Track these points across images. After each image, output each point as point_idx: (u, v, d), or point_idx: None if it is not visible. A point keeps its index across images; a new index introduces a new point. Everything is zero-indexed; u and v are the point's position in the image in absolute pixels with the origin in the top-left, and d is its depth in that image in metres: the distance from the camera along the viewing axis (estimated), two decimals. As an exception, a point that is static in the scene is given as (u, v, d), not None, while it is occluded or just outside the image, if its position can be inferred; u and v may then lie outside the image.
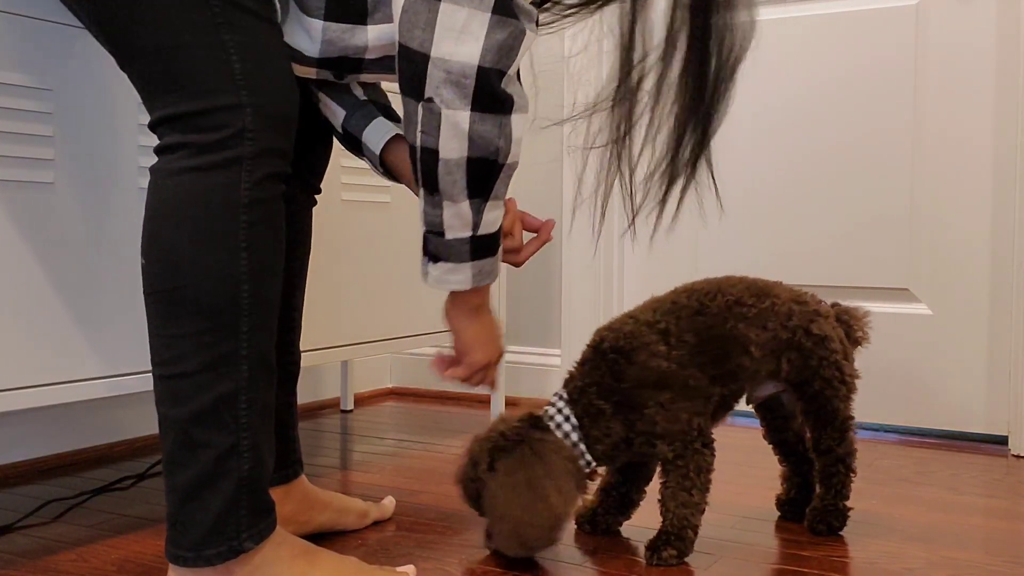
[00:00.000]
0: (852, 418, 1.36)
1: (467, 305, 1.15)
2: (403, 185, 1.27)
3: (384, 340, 1.81)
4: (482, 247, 1.08)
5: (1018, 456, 1.91)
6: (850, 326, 1.39)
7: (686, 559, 1.26)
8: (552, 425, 1.27)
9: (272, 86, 0.98)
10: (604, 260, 2.37)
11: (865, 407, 2.13)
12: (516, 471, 1.21)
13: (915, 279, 2.09)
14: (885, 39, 2.10)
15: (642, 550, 1.29)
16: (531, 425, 1.26)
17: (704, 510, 1.27)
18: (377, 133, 1.24)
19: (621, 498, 1.38)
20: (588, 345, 1.31)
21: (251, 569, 1.00)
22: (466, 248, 1.06)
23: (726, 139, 2.29)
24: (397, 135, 1.23)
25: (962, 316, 2.04)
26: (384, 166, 1.26)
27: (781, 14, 2.20)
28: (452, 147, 0.99)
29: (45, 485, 1.64)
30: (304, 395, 2.36)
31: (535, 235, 1.30)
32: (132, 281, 1.32)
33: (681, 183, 1.23)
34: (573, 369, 1.31)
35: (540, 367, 2.43)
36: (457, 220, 1.04)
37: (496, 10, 0.97)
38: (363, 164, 1.73)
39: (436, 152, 1.00)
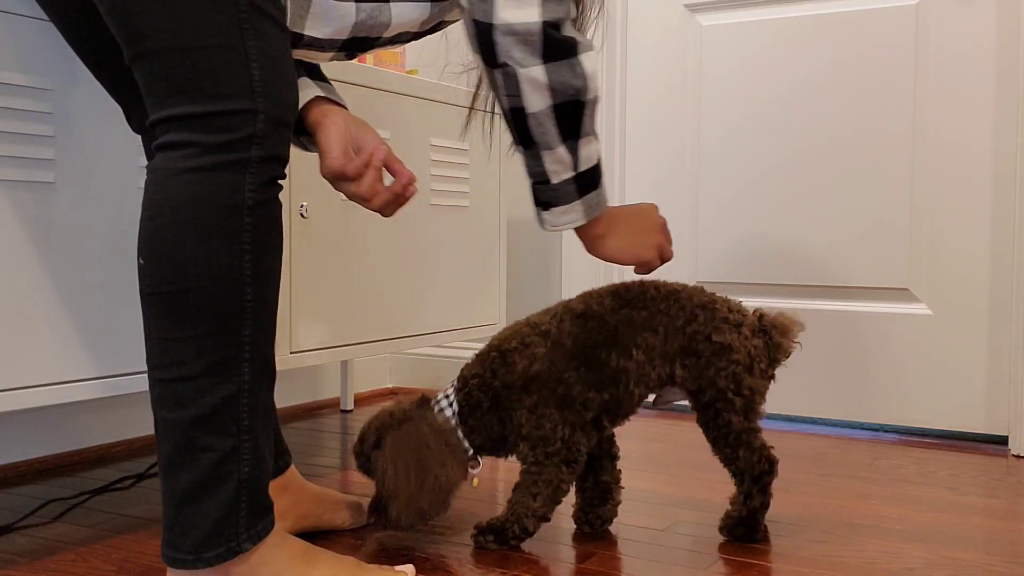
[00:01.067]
0: (752, 430, 1.29)
1: (592, 234, 1.20)
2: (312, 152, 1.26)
3: (384, 340, 1.81)
4: (586, 183, 1.13)
5: (1018, 456, 1.91)
6: (770, 335, 1.32)
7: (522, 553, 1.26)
8: (436, 409, 1.32)
9: (283, 94, 0.99)
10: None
11: (865, 407, 2.14)
12: (401, 448, 1.25)
13: (915, 279, 2.09)
14: (885, 39, 2.10)
15: (640, 550, 1.29)
16: (418, 406, 1.31)
17: (544, 518, 1.29)
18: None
19: (596, 486, 1.38)
20: (488, 342, 1.35)
21: (249, 569, 1.00)
22: (572, 188, 1.13)
23: (726, 139, 2.30)
24: (318, 97, 1.23)
25: (962, 316, 2.04)
26: (302, 129, 1.25)
27: (782, 14, 2.20)
28: (536, 100, 1.07)
29: (45, 485, 1.64)
30: (304, 395, 2.36)
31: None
32: (132, 281, 1.32)
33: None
34: (470, 360, 1.35)
35: (540, 367, 2.43)
36: (558, 165, 1.11)
37: None
38: (363, 164, 1.73)
39: (523, 110, 1.07)
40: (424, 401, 1.32)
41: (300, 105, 1.22)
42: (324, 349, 1.67)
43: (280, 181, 1.01)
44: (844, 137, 2.15)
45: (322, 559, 1.08)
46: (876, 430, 2.14)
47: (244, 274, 0.96)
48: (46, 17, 1.20)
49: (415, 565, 1.21)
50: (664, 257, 1.27)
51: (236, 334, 0.96)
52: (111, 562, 1.25)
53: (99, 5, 0.98)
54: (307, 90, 1.23)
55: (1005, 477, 1.74)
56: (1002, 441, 2.00)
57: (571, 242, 2.39)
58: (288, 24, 1.13)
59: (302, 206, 1.59)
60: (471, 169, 2.04)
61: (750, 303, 2.24)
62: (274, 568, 1.02)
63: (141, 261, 0.97)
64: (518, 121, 1.09)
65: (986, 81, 2.00)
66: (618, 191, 2.38)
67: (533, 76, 1.05)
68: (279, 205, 1.01)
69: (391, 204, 1.25)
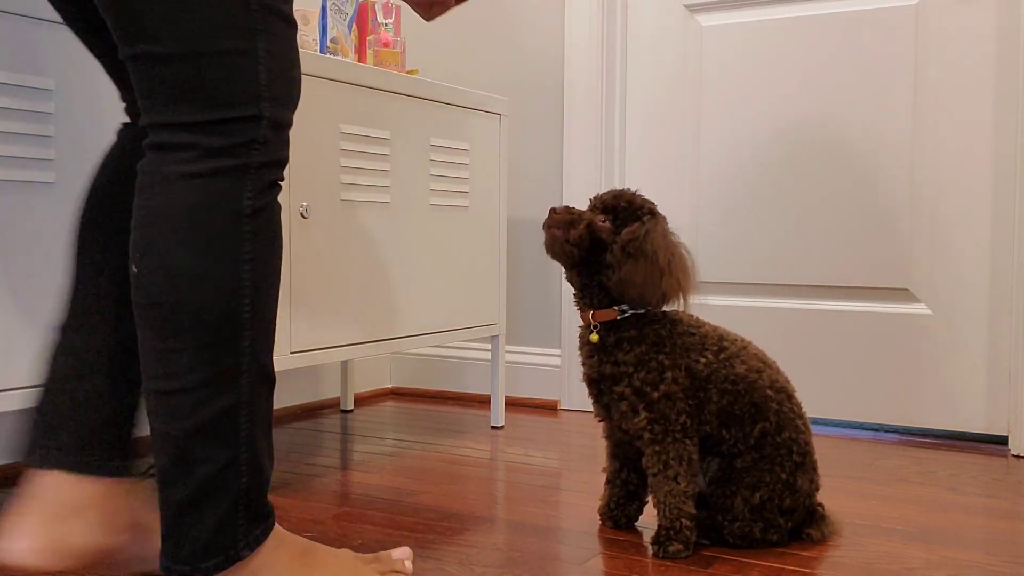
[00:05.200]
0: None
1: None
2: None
3: (384, 340, 1.81)
4: None
5: (1018, 456, 1.91)
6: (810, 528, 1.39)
7: (689, 552, 1.26)
8: None
9: (289, 97, 0.97)
10: (604, 260, 2.37)
11: (865, 407, 2.14)
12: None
13: (915, 279, 2.09)
14: (885, 39, 2.10)
15: (641, 549, 1.29)
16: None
17: (694, 494, 1.29)
18: None
19: (625, 485, 1.39)
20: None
21: (249, 574, 1.00)
22: None
23: (726, 139, 2.30)
24: None
25: (962, 316, 2.04)
26: None
27: (782, 14, 2.20)
28: None
29: (45, 485, 1.64)
30: (304, 395, 2.36)
31: None
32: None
33: None
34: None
35: (540, 367, 2.43)
36: None
37: None
38: (363, 164, 1.73)
39: None
40: None
41: None
42: (324, 349, 1.67)
43: (279, 184, 0.99)
44: (844, 137, 2.15)
45: (320, 557, 1.08)
46: (876, 430, 2.14)
47: (243, 284, 0.94)
48: (46, 17, 1.20)
49: (416, 565, 1.21)
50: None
51: (234, 345, 0.94)
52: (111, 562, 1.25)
53: (68, 20, 0.94)
54: None
55: (1005, 477, 1.74)
56: (1002, 441, 2.00)
57: (571, 242, 2.39)
58: None
59: (302, 206, 1.59)
60: (471, 169, 2.04)
61: (750, 303, 2.25)
62: (274, 571, 1.01)
63: (134, 269, 0.94)
64: None
65: (986, 81, 2.00)
66: (618, 191, 2.38)
67: None
68: (279, 210, 0.99)
69: None
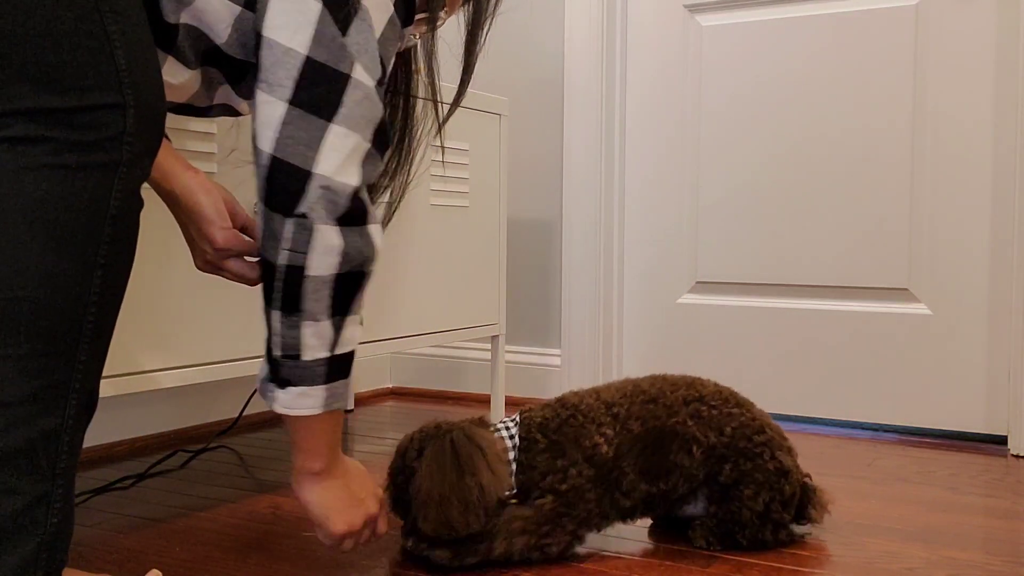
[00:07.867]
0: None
1: (309, 470, 1.05)
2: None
3: (384, 340, 1.81)
4: (338, 368, 1.01)
5: (1018, 456, 1.91)
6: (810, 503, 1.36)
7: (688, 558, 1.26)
8: (492, 429, 1.28)
9: (151, 82, 0.87)
10: (604, 261, 2.37)
11: (865, 407, 2.14)
12: (446, 448, 1.18)
13: (915, 279, 2.09)
14: (885, 39, 2.10)
15: (640, 549, 1.29)
16: (472, 421, 1.27)
17: (502, 558, 1.23)
18: None
19: None
20: (557, 399, 1.32)
21: None
22: (322, 370, 1.00)
23: (726, 139, 2.30)
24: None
25: (962, 316, 2.04)
26: None
27: (782, 14, 2.20)
28: (322, 263, 0.96)
29: (45, 485, 1.64)
30: (304, 395, 2.36)
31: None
32: (131, 278, 1.32)
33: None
34: (534, 408, 1.32)
35: (540, 367, 2.43)
36: (316, 340, 0.98)
37: (376, 145, 0.99)
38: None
39: (302, 269, 0.96)
40: (481, 420, 1.28)
41: None
42: (324, 349, 1.66)
43: (145, 179, 0.89)
44: (844, 137, 2.15)
45: None
46: (876, 430, 2.14)
47: (91, 291, 0.84)
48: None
49: (416, 565, 1.20)
50: (376, 533, 1.15)
51: (69, 358, 0.83)
52: (111, 562, 1.25)
53: None
54: None
55: (1005, 477, 1.74)
56: (1002, 441, 2.00)
57: (571, 243, 2.39)
58: None
59: (302, 206, 1.59)
60: (471, 169, 2.04)
61: (750, 303, 2.25)
62: None
63: None
64: (291, 282, 0.96)
65: (986, 81, 2.01)
66: (617, 193, 2.38)
67: (329, 236, 0.95)
68: (139, 211, 0.89)
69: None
